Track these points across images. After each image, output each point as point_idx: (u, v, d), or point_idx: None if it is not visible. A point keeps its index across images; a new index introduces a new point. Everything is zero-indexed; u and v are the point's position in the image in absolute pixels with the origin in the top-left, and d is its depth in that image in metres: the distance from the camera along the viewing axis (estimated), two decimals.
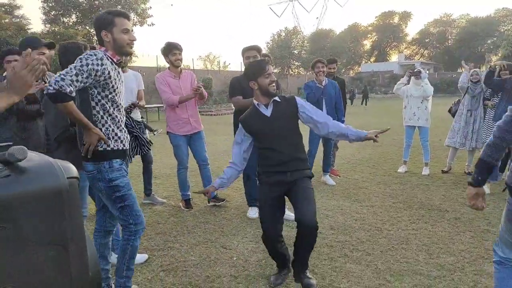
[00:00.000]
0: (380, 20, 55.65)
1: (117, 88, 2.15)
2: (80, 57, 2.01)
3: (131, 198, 2.17)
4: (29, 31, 15.24)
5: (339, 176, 5.57)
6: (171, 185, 5.20)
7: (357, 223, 3.70)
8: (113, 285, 2.43)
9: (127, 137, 2.26)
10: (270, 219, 2.52)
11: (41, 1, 17.03)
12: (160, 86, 3.95)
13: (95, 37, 16.44)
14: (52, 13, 17.59)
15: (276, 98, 2.56)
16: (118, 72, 2.17)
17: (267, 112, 2.54)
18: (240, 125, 2.61)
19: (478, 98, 5.35)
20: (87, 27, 17.51)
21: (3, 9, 13.55)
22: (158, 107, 16.01)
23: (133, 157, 3.49)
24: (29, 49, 1.47)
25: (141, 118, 3.83)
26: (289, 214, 3.32)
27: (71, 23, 17.85)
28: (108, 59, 2.09)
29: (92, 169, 2.11)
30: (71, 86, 1.93)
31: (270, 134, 2.51)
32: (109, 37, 2.09)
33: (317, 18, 64.76)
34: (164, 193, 4.85)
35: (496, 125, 1.80)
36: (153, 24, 21.04)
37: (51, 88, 1.89)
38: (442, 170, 5.72)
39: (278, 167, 2.50)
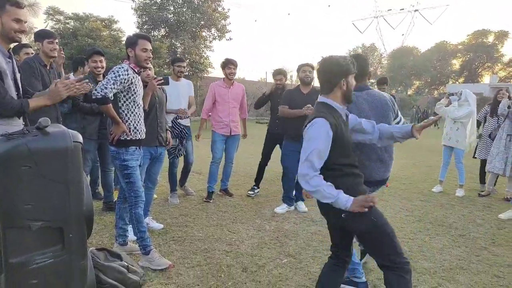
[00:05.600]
0: (472, 39, 51.84)
1: (138, 91, 2.83)
2: (112, 70, 2.70)
3: (135, 177, 2.83)
4: (123, 42, 17.51)
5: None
6: None
7: None
8: (128, 242, 3.13)
9: (143, 129, 2.94)
10: None
11: (136, 16, 19.40)
12: (207, 95, 4.84)
13: (178, 49, 17.97)
14: (145, 27, 19.83)
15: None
16: (138, 80, 2.86)
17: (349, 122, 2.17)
18: (326, 130, 1.91)
19: None
20: (173, 40, 19.46)
21: (103, 23, 15.81)
22: None
23: (178, 156, 4.28)
24: (71, 76, 2.29)
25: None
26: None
27: (159, 37, 19.91)
28: (131, 69, 2.76)
29: (113, 149, 2.82)
30: (111, 92, 2.66)
31: (352, 147, 2.14)
32: None
33: (403, 35, 62.31)
34: (202, 187, 5.52)
35: None
36: (231, 39, 22.56)
37: (99, 94, 2.62)
38: (479, 193, 5.59)
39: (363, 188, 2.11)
